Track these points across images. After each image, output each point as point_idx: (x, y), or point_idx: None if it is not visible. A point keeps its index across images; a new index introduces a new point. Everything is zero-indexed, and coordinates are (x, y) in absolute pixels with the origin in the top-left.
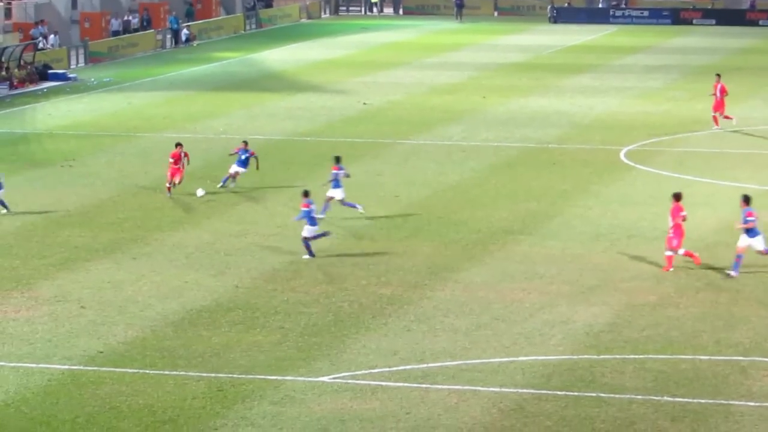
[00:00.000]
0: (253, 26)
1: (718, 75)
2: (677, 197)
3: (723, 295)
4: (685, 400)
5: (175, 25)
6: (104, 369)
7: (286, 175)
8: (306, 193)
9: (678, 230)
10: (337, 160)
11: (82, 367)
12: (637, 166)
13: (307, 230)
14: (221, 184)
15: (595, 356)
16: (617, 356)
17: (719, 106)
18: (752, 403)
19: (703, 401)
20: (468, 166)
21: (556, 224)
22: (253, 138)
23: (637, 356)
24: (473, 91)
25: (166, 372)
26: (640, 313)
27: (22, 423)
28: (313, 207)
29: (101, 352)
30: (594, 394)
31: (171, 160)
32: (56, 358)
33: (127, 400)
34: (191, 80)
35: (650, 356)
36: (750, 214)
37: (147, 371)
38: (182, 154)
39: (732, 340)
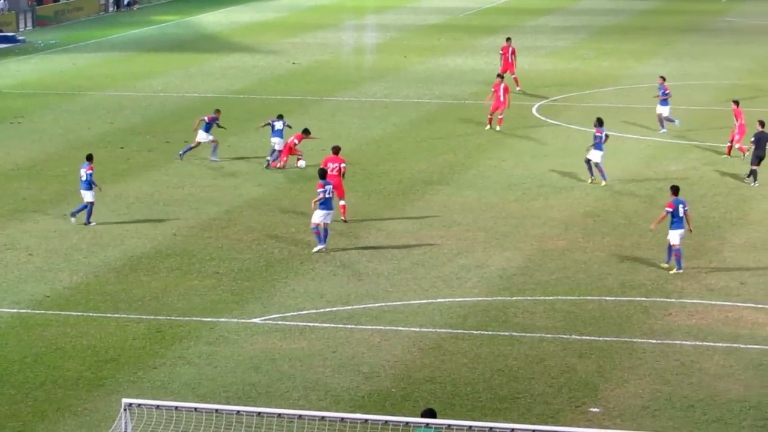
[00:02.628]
0: None
1: (509, 39)
2: (335, 150)
3: (627, 240)
4: (592, 338)
5: None
6: (50, 312)
7: (221, 129)
8: None
9: (338, 183)
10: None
11: (29, 311)
12: (548, 120)
13: None
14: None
15: (508, 298)
16: (529, 298)
17: (510, 66)
18: (653, 341)
19: (608, 339)
20: (390, 121)
21: (472, 175)
22: (190, 96)
23: (547, 297)
24: (395, 51)
25: (109, 315)
26: (550, 258)
27: None
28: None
29: (48, 297)
30: (507, 333)
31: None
32: (5, 303)
33: (72, 341)
34: (132, 42)
35: (559, 297)
36: (321, 186)
37: (90, 314)
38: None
39: (635, 282)
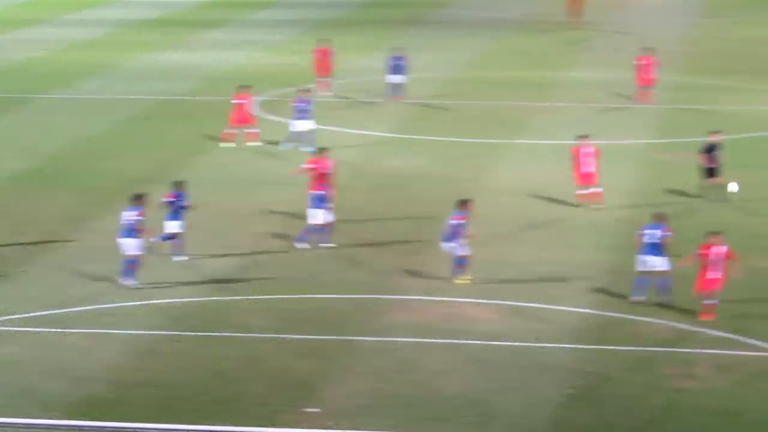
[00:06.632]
0: None
1: (323, 40)
2: None
3: (347, 237)
4: (310, 337)
5: None
6: None
7: None
8: None
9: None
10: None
11: None
12: (268, 116)
13: None
14: None
15: (226, 298)
16: (246, 297)
17: (324, 69)
18: (372, 338)
19: (326, 337)
20: (105, 118)
21: (188, 173)
22: None
23: (264, 297)
24: (110, 46)
25: None
26: (269, 256)
27: None
28: None
29: None
30: (224, 334)
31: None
32: None
33: None
34: None
35: (277, 296)
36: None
37: None
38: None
39: (354, 279)
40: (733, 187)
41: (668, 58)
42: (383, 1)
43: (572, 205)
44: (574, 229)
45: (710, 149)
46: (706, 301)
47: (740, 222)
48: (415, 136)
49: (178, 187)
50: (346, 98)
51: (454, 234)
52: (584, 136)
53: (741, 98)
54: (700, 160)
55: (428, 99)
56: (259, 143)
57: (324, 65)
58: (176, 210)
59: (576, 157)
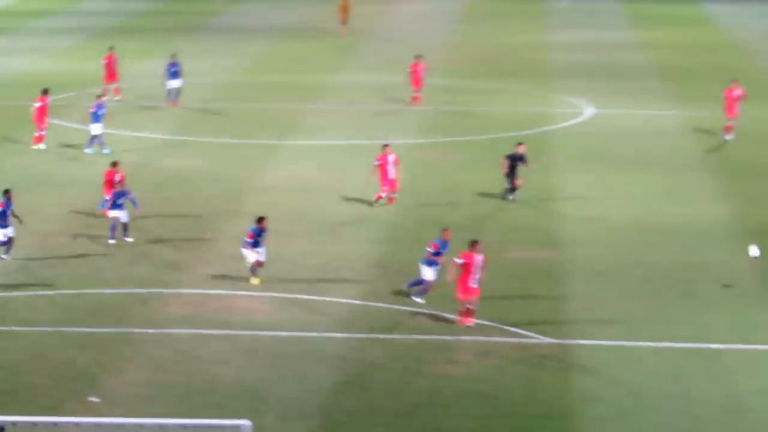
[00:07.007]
0: None
1: (111, 47)
2: None
3: (137, 236)
4: (91, 329)
5: None
6: None
7: None
8: None
9: None
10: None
11: None
12: (51, 120)
13: None
14: None
15: (10, 293)
16: (30, 293)
17: (112, 77)
18: (152, 330)
19: (107, 330)
20: None
21: None
22: None
23: (47, 292)
24: None
25: None
26: (51, 253)
27: None
28: None
29: None
30: (7, 329)
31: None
32: None
33: None
34: None
35: (60, 291)
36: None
37: None
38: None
39: (135, 275)
40: (754, 251)
41: (432, 62)
42: (161, 9)
43: (342, 201)
44: (344, 224)
45: (513, 158)
46: (465, 307)
47: (498, 216)
48: (191, 138)
49: (6, 195)
50: (126, 102)
51: (252, 245)
52: (387, 145)
53: (499, 99)
54: (502, 166)
55: (204, 103)
56: (43, 146)
57: (111, 71)
58: (4, 217)
59: (382, 165)
